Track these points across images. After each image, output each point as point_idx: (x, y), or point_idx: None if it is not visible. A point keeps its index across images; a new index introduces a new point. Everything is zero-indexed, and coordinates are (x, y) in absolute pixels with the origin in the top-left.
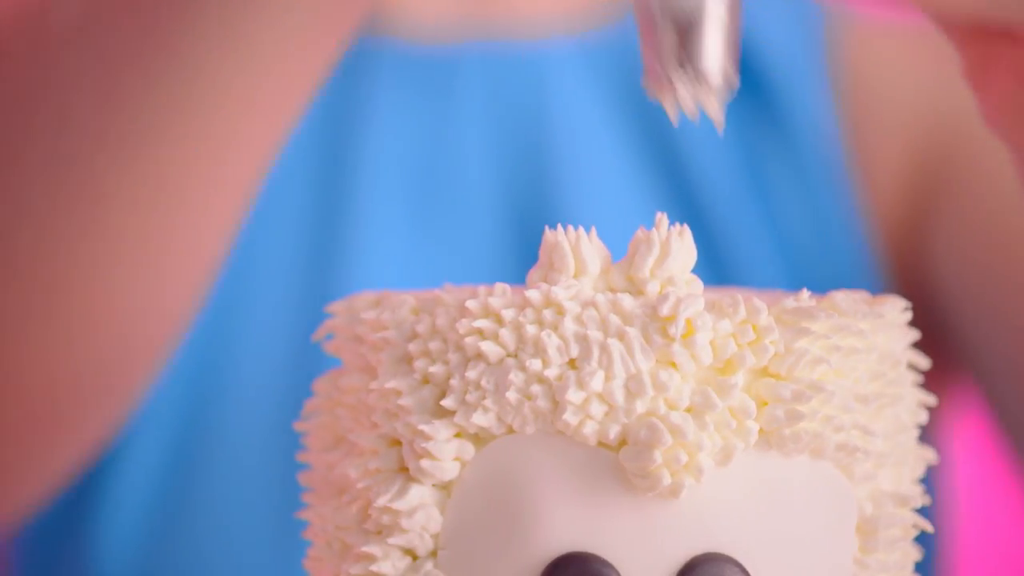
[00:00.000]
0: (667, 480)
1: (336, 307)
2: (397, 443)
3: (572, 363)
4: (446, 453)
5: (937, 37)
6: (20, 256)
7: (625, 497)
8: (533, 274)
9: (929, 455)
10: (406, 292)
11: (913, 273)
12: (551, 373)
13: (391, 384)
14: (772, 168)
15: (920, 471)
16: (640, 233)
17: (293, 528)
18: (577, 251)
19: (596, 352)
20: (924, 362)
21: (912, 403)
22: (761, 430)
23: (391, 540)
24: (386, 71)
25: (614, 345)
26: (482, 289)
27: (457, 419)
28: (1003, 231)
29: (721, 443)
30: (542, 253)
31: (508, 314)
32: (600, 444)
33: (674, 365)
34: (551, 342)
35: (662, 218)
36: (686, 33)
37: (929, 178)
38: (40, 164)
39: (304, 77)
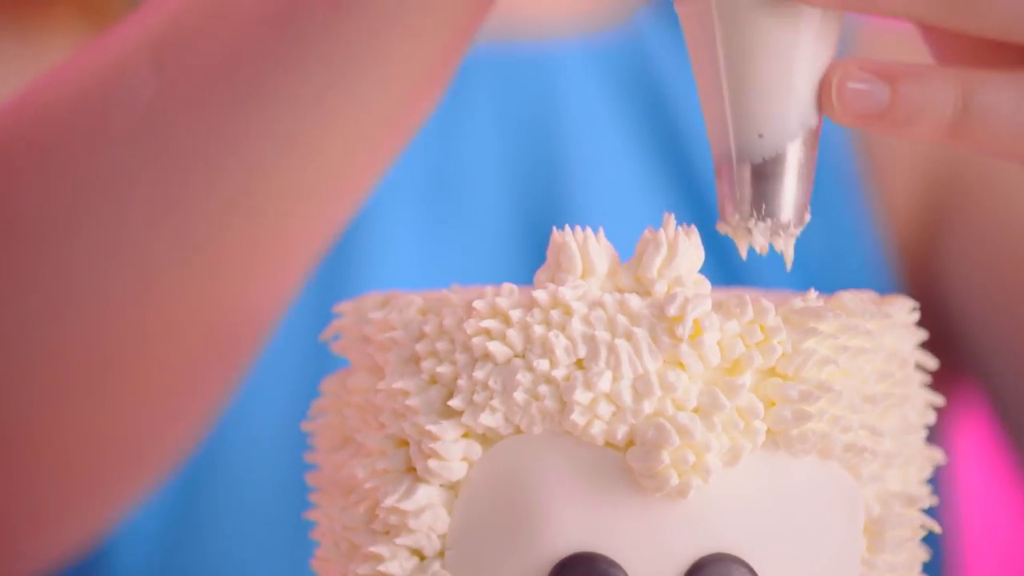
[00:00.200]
0: (675, 480)
1: (344, 307)
2: (404, 443)
3: (579, 363)
4: (453, 453)
5: None
6: (68, 338)
7: (633, 497)
8: (540, 274)
9: (937, 455)
10: (413, 292)
11: (923, 276)
12: (558, 373)
13: (398, 384)
14: None
15: (928, 472)
16: (648, 233)
17: (301, 528)
18: (584, 251)
19: (604, 352)
20: (932, 362)
21: (920, 403)
22: (769, 430)
23: (398, 540)
24: None
25: (622, 345)
26: (489, 289)
27: (464, 419)
28: (1013, 237)
29: (729, 443)
30: (549, 254)
31: (515, 314)
32: (607, 444)
33: (682, 365)
34: (558, 342)
35: (669, 218)
36: (765, 182)
37: (941, 184)
38: (93, 251)
39: (366, 173)
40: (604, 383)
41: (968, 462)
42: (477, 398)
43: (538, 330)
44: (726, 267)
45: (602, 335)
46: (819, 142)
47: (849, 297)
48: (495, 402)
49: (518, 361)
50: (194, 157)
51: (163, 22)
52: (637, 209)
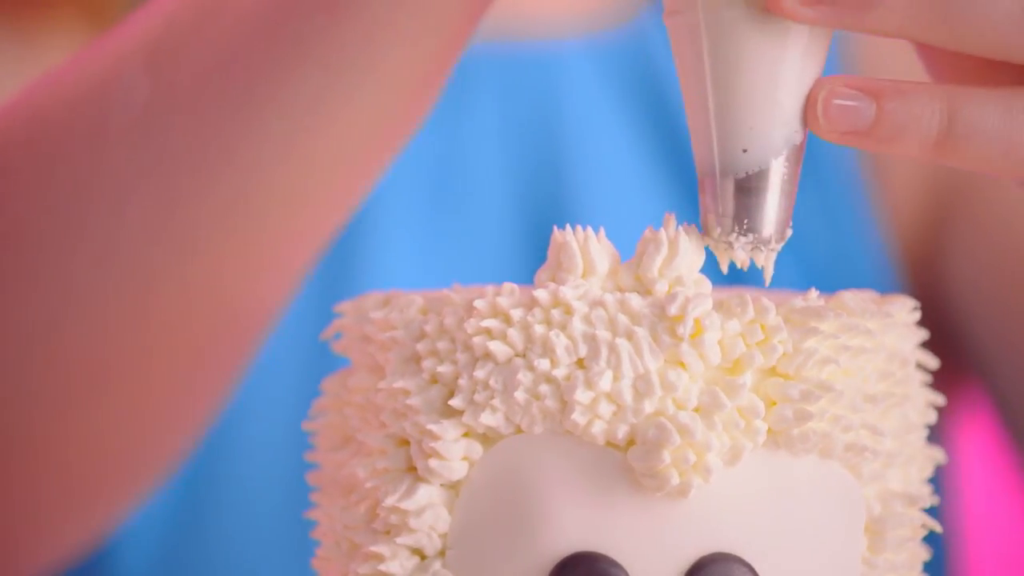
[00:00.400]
0: (675, 480)
1: (345, 307)
2: (405, 443)
3: (580, 363)
4: (454, 453)
5: None
6: (68, 345)
7: (633, 497)
8: (541, 274)
9: (938, 455)
10: (414, 292)
11: (927, 276)
12: (559, 373)
13: (399, 384)
14: None
15: (929, 471)
16: (648, 233)
17: (302, 527)
18: (585, 251)
19: (604, 352)
20: (932, 362)
21: (920, 403)
22: (770, 430)
23: (399, 540)
24: None
25: (622, 345)
26: (490, 289)
27: (465, 419)
28: (1017, 237)
29: (730, 443)
30: (550, 253)
31: (516, 314)
32: (608, 444)
33: (682, 365)
34: (559, 342)
35: (670, 218)
36: (748, 197)
37: (944, 183)
38: (92, 257)
39: (362, 177)
40: (605, 382)
41: (969, 461)
42: (478, 397)
43: (539, 329)
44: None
45: (603, 334)
46: (803, 158)
47: (850, 297)
48: (496, 401)
49: (519, 360)
50: (191, 160)
51: (158, 25)
52: (639, 208)
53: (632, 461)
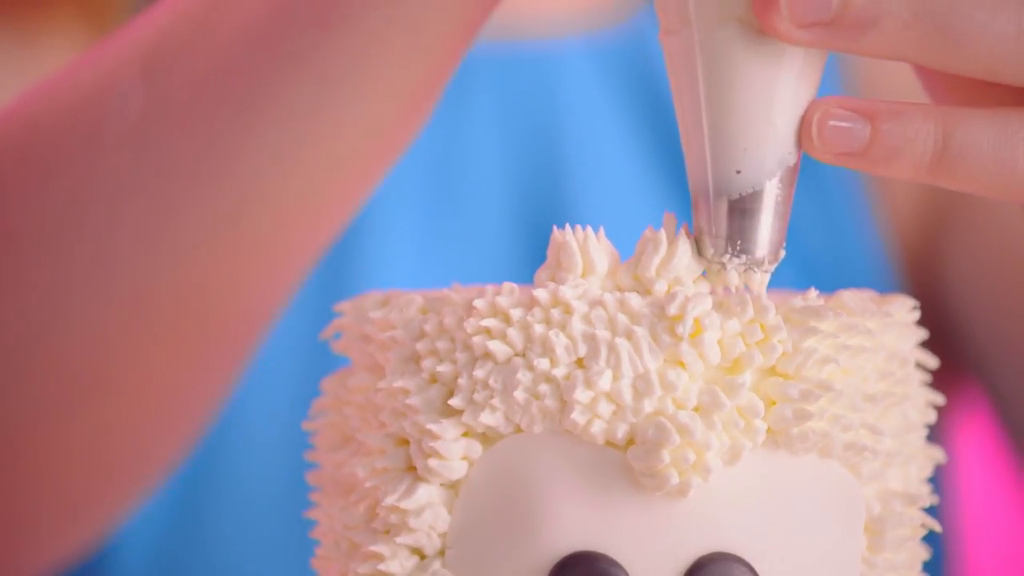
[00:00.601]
0: (675, 479)
1: (344, 306)
2: (405, 442)
3: (580, 362)
4: (454, 452)
5: None
6: (65, 349)
7: (633, 496)
8: (541, 273)
9: (937, 454)
10: (414, 291)
11: (925, 276)
12: (559, 372)
13: (399, 383)
14: None
15: (928, 470)
16: (648, 232)
17: (301, 527)
18: (585, 250)
19: (604, 351)
20: (932, 361)
21: (920, 402)
22: (769, 429)
23: (399, 539)
24: None
25: (622, 344)
26: (490, 288)
27: (465, 418)
28: (1015, 237)
29: (729, 442)
30: (550, 252)
31: (516, 313)
32: (608, 443)
33: (682, 364)
34: (559, 341)
35: (669, 218)
36: (741, 218)
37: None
38: (88, 263)
39: (357, 188)
40: (604, 382)
41: (969, 461)
42: (477, 397)
43: (538, 329)
44: None
45: (602, 334)
46: (796, 179)
47: (849, 296)
48: (495, 401)
49: (518, 360)
50: (186, 170)
51: (153, 35)
52: (638, 208)
53: (632, 460)
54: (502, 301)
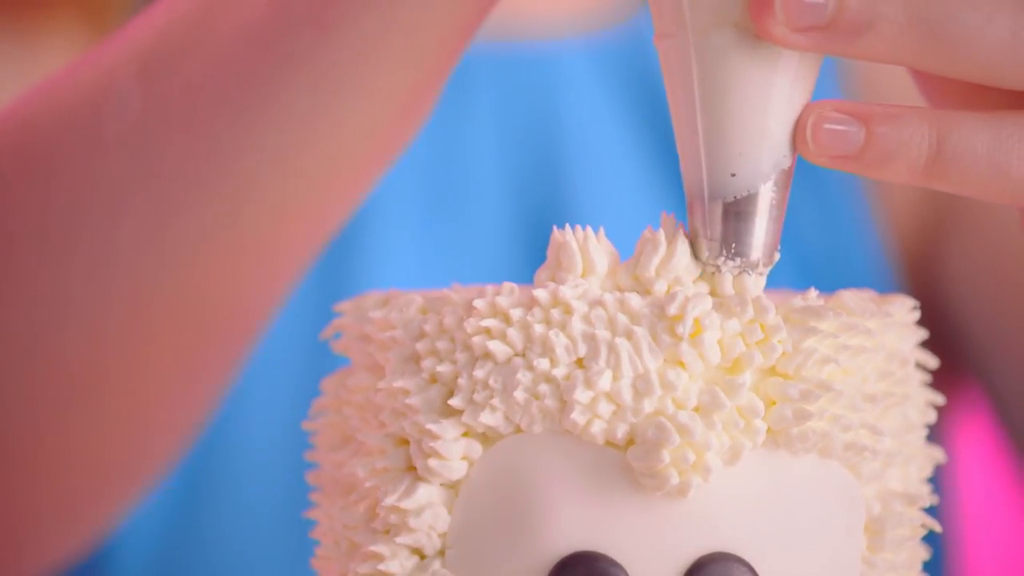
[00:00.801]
0: (675, 479)
1: (344, 306)
2: (405, 442)
3: (580, 362)
4: (454, 452)
5: None
6: (64, 350)
7: (633, 496)
8: (541, 273)
9: (937, 454)
10: (414, 291)
11: (925, 276)
12: (559, 372)
13: (399, 383)
14: None
15: (928, 470)
16: (647, 233)
17: (301, 527)
18: (585, 250)
19: (604, 351)
20: (932, 361)
21: (920, 402)
22: (769, 429)
23: (399, 539)
24: None
25: (622, 344)
26: (490, 288)
27: (465, 418)
28: (1014, 237)
29: (729, 442)
30: (550, 252)
31: (516, 313)
32: (608, 443)
33: (682, 364)
34: (559, 341)
35: (668, 218)
36: (736, 221)
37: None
38: (87, 265)
39: (353, 190)
40: (604, 382)
41: (969, 461)
42: (477, 397)
43: (538, 329)
44: None
45: (602, 334)
46: (791, 182)
47: (849, 296)
48: (495, 401)
49: (518, 360)
50: (184, 172)
51: (150, 37)
52: (638, 208)
53: (631, 461)
54: (502, 301)
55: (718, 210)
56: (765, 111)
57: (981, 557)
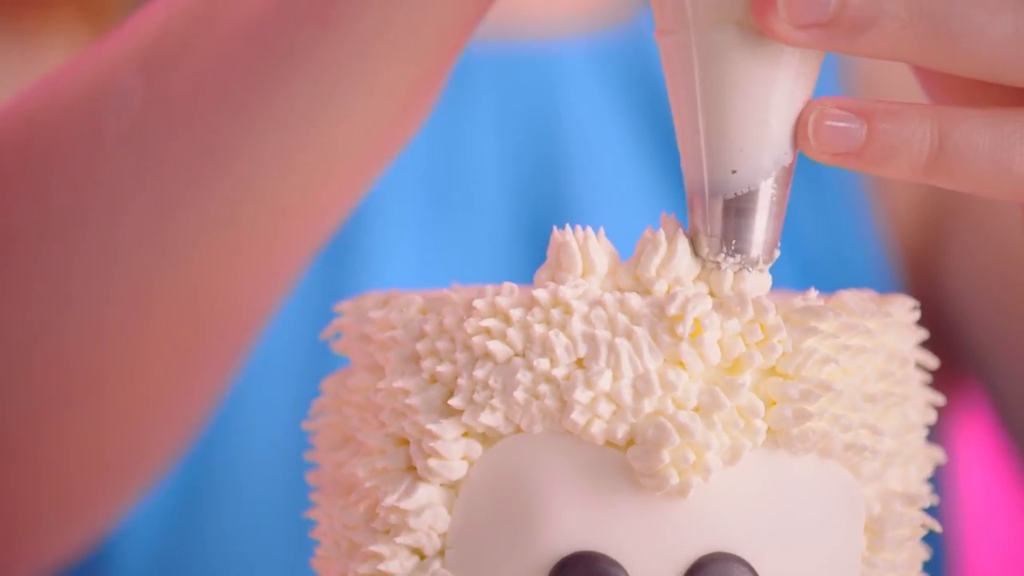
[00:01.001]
0: (675, 479)
1: (344, 306)
2: (405, 442)
3: (580, 362)
4: (454, 452)
5: None
6: (64, 347)
7: (633, 496)
8: (541, 273)
9: (937, 454)
10: (414, 291)
11: (925, 276)
12: (559, 372)
13: (399, 383)
14: None
15: (928, 471)
16: (647, 233)
17: (301, 527)
18: (585, 250)
19: (604, 351)
20: (932, 361)
21: (920, 402)
22: (769, 429)
23: (399, 539)
24: None
25: (622, 344)
26: (490, 288)
27: (465, 418)
28: (1015, 236)
29: (729, 442)
30: (550, 252)
31: (516, 313)
32: (608, 443)
33: (682, 364)
34: (559, 341)
35: (668, 218)
36: (736, 218)
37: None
38: (88, 261)
39: (354, 186)
40: (604, 382)
41: (969, 461)
42: (477, 397)
43: (538, 329)
44: None
45: (602, 334)
46: (791, 179)
47: (849, 296)
48: (495, 401)
49: (518, 360)
50: (186, 167)
51: (151, 32)
52: (638, 208)
53: (631, 461)
54: (502, 301)
55: (718, 207)
56: (766, 108)
57: (981, 557)
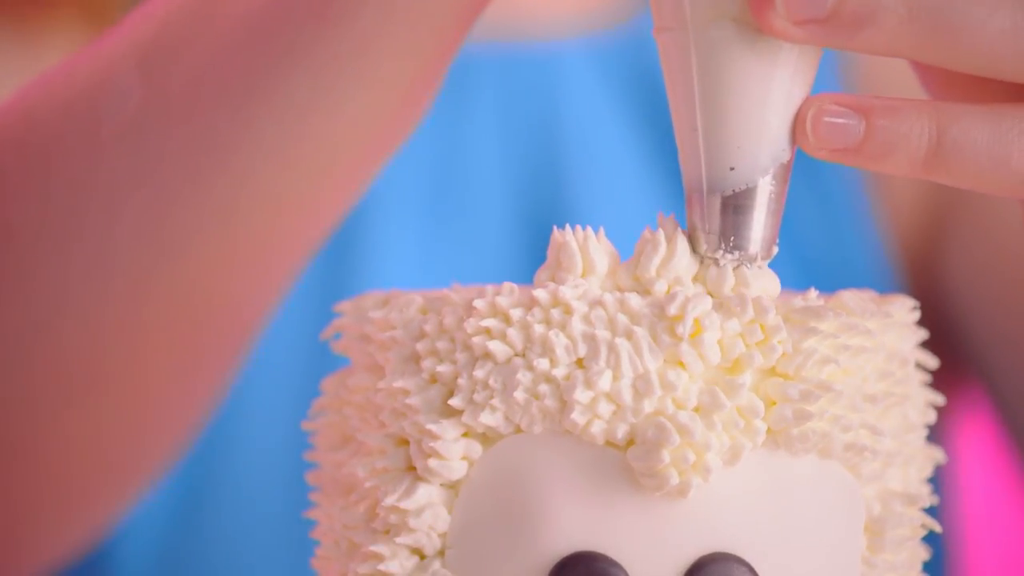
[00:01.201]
0: (675, 480)
1: (344, 306)
2: (405, 442)
3: (580, 362)
4: (454, 452)
5: None
6: (63, 345)
7: (633, 497)
8: (541, 273)
9: (937, 455)
10: (414, 291)
11: (926, 276)
12: (559, 372)
13: (399, 383)
14: None
15: (928, 471)
16: (647, 233)
17: (301, 527)
18: (585, 250)
19: (604, 351)
20: (932, 361)
21: (920, 402)
22: (769, 430)
23: (399, 539)
24: None
25: (622, 344)
26: (490, 288)
27: (465, 418)
28: (1016, 236)
29: (729, 443)
30: (550, 252)
31: (516, 313)
32: (608, 443)
33: (682, 364)
34: (559, 341)
35: (668, 219)
36: (735, 214)
37: (944, 186)
38: (86, 259)
39: (353, 182)
40: (604, 382)
41: (969, 461)
42: (477, 397)
43: (538, 329)
44: None
45: (602, 334)
46: (790, 175)
47: (849, 296)
48: (495, 401)
49: (518, 360)
50: (184, 164)
51: (150, 29)
52: (638, 208)
53: (631, 461)
54: (502, 301)
55: (717, 203)
56: (764, 105)
57: (982, 557)
